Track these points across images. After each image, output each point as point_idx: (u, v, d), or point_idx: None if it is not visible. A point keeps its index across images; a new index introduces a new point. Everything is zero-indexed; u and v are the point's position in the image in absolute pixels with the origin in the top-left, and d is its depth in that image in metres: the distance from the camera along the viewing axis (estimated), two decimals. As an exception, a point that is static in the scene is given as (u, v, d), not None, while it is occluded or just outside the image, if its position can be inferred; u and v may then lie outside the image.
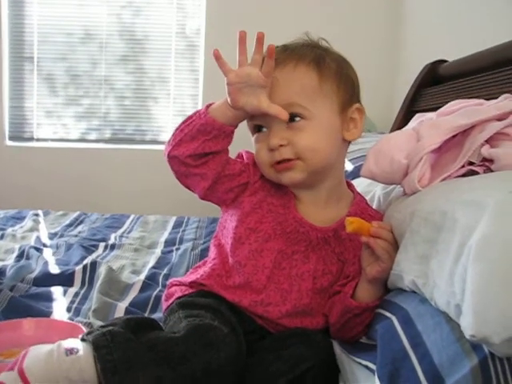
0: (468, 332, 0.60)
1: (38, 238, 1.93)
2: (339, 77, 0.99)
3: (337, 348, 0.95)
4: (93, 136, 3.20)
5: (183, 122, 0.99)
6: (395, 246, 0.88)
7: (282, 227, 1.00)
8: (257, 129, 1.00)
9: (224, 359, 0.80)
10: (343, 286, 0.98)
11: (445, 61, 2.20)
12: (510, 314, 0.57)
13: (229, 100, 0.94)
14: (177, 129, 0.99)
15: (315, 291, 1.00)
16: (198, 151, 0.96)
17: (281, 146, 0.95)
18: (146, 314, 1.28)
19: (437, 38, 2.50)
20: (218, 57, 0.94)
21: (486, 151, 0.87)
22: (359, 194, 1.10)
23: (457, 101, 1.04)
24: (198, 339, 0.80)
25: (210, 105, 0.98)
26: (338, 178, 1.05)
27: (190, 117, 0.99)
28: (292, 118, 0.95)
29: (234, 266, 1.01)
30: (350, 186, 1.10)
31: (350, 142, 1.04)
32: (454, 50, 2.12)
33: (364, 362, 0.86)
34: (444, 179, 0.89)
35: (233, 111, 0.95)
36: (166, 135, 3.18)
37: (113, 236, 2.03)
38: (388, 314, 0.85)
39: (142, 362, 0.77)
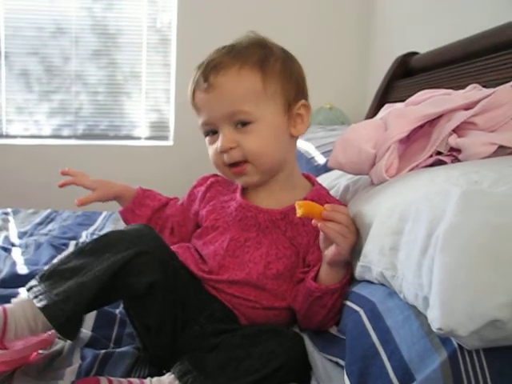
0: (435, 325, 0.59)
1: (6, 237, 1.88)
2: (283, 76, 1.01)
3: (309, 345, 0.94)
4: (65, 132, 3.15)
5: None
6: (352, 228, 0.88)
7: (233, 217, 1.06)
8: (209, 132, 1.05)
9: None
10: (306, 273, 0.99)
11: (416, 53, 2.21)
12: (477, 306, 0.56)
13: None
14: None
15: (270, 277, 1.00)
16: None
17: (231, 148, 1.00)
18: (119, 310, 1.25)
19: (408, 30, 2.51)
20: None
21: (454, 141, 0.87)
22: (320, 184, 1.11)
23: (425, 91, 1.04)
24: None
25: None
26: (289, 171, 1.08)
27: None
28: (242, 123, 0.99)
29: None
30: (310, 178, 1.13)
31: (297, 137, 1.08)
32: (426, 42, 2.13)
33: (334, 359, 0.85)
34: (412, 169, 0.89)
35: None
36: (139, 130, 3.16)
37: (84, 234, 1.99)
38: (356, 308, 0.84)
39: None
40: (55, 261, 0.97)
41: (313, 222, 0.87)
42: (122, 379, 0.88)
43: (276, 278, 1.01)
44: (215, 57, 1.01)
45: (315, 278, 0.94)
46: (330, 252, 0.89)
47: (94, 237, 1.88)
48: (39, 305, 0.87)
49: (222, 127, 1.00)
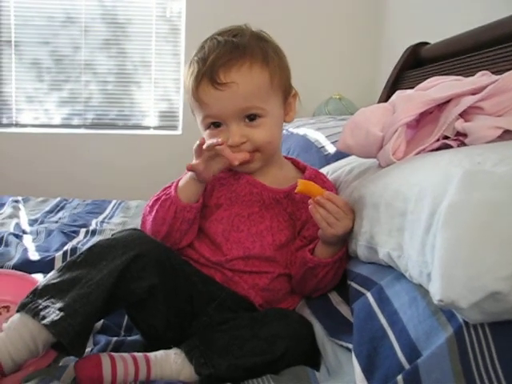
0: (436, 297, 0.60)
1: (17, 224, 1.90)
2: (281, 69, 1.06)
3: (319, 330, 0.95)
4: (75, 121, 3.16)
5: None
6: (342, 220, 0.93)
7: (237, 193, 1.09)
8: (212, 125, 1.05)
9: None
10: (305, 245, 1.06)
11: (427, 43, 2.20)
12: (477, 279, 0.57)
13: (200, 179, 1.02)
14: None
15: (276, 247, 1.07)
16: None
17: (242, 143, 1.02)
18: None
19: (419, 20, 2.49)
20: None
21: (460, 125, 0.88)
22: (310, 167, 1.16)
23: (435, 77, 1.04)
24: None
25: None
26: (279, 152, 1.15)
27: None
28: (250, 117, 1.02)
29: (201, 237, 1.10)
30: (293, 160, 1.18)
31: None
32: (436, 32, 2.12)
33: (345, 344, 0.86)
34: (418, 153, 0.89)
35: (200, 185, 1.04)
36: (149, 120, 3.17)
37: (94, 222, 2.00)
38: (362, 290, 0.85)
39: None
40: (47, 276, 0.90)
41: (309, 201, 0.95)
42: (125, 354, 0.88)
43: (279, 249, 1.07)
44: (221, 53, 1.00)
45: (313, 251, 1.02)
46: (319, 232, 0.98)
47: (104, 225, 1.92)
48: (45, 322, 0.80)
49: (231, 122, 1.02)
